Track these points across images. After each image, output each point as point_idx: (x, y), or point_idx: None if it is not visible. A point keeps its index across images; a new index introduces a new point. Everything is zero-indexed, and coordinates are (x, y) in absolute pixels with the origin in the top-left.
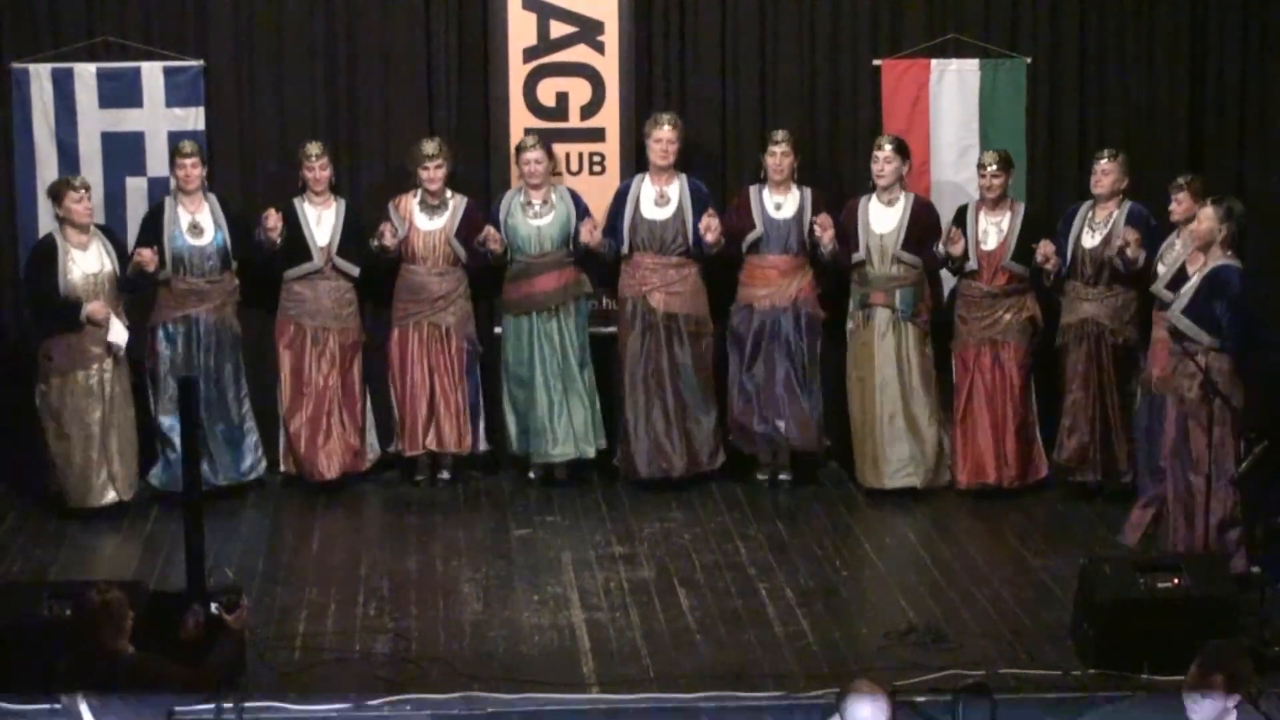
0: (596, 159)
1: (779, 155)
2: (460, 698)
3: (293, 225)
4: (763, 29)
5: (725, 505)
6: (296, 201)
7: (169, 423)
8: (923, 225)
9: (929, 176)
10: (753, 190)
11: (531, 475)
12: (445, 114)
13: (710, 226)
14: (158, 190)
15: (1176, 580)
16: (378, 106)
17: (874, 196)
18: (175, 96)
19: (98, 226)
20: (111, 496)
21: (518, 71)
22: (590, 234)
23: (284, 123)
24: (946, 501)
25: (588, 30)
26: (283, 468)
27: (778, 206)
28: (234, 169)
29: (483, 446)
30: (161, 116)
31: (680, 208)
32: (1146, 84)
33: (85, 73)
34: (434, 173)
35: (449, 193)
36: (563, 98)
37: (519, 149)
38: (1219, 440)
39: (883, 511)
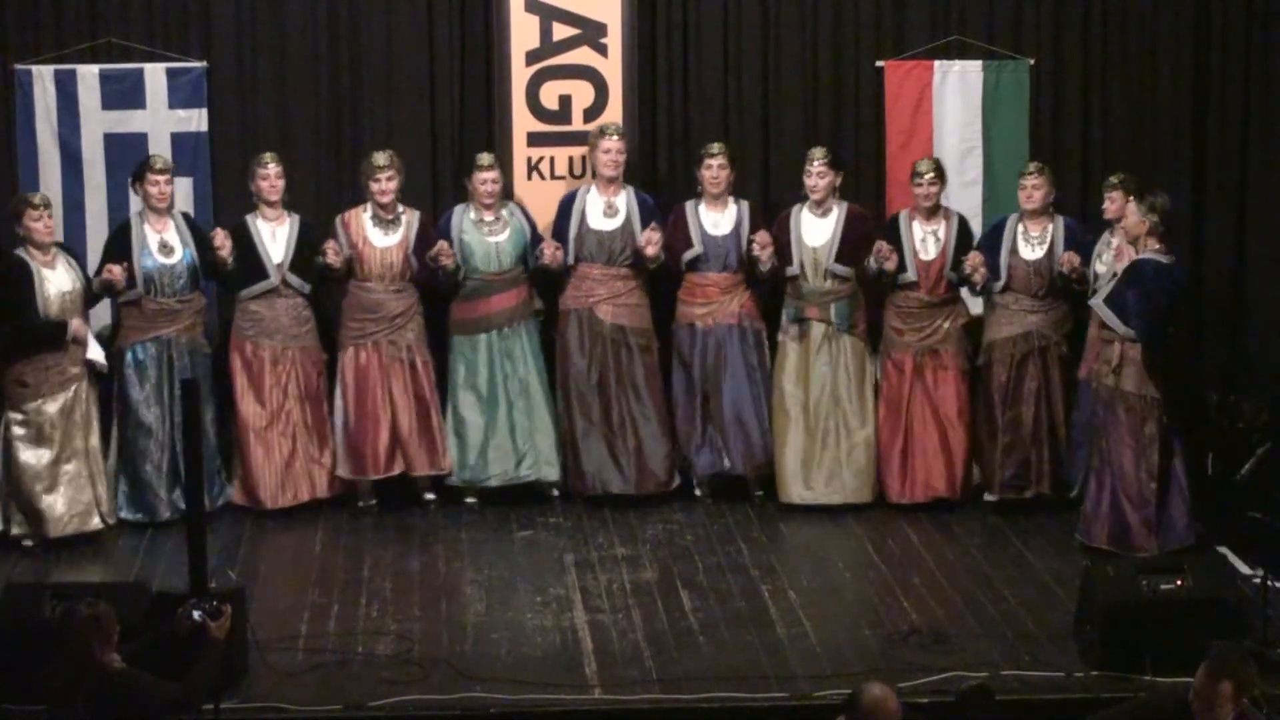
0: None
1: (715, 168)
2: (463, 699)
3: (246, 244)
4: (765, 31)
5: (728, 507)
6: (249, 219)
7: (143, 445)
8: (857, 237)
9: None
10: (689, 206)
11: (470, 500)
12: (447, 117)
13: (651, 239)
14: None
15: (1179, 582)
16: (380, 109)
17: (805, 208)
18: (178, 98)
19: (57, 245)
20: (95, 523)
21: (520, 74)
22: (554, 255)
23: (286, 124)
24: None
25: (591, 32)
26: (234, 497)
27: (715, 224)
28: (236, 170)
29: (453, 478)
30: (164, 118)
31: (629, 218)
32: (1149, 85)
33: (88, 74)
34: (385, 185)
35: (400, 207)
36: (565, 100)
37: (476, 166)
38: (1132, 428)
39: (881, 512)
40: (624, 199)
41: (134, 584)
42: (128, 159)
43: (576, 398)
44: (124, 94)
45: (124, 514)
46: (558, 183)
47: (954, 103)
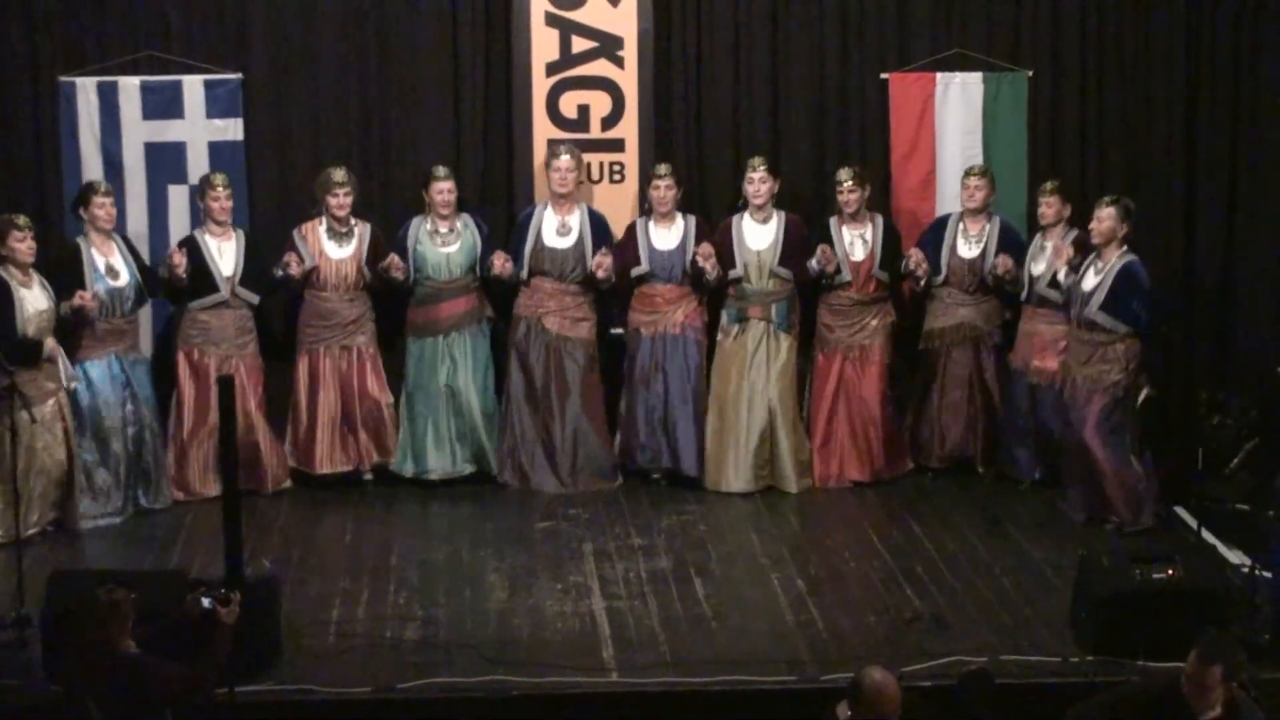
0: (616, 168)
1: (663, 188)
2: (486, 681)
3: (196, 258)
4: (774, 45)
5: (739, 499)
6: (197, 234)
7: (92, 458)
8: (795, 241)
9: (934, 187)
10: (639, 224)
11: (433, 478)
12: (471, 126)
13: (602, 264)
14: (197, 197)
15: (1171, 571)
16: (407, 118)
17: (746, 215)
18: (215, 108)
19: (33, 267)
20: (60, 523)
21: (541, 85)
22: (503, 266)
23: (318, 133)
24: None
25: (608, 46)
26: (177, 495)
27: (662, 239)
28: (271, 177)
29: (396, 467)
30: (202, 127)
31: (581, 237)
32: (1143, 96)
33: (129, 85)
34: (343, 200)
35: (353, 220)
36: (584, 110)
37: (433, 177)
38: (1123, 415)
39: (886, 504)
40: (577, 218)
41: (172, 571)
42: (167, 167)
43: (521, 400)
44: (163, 104)
45: (89, 520)
46: (577, 187)
47: (955, 113)
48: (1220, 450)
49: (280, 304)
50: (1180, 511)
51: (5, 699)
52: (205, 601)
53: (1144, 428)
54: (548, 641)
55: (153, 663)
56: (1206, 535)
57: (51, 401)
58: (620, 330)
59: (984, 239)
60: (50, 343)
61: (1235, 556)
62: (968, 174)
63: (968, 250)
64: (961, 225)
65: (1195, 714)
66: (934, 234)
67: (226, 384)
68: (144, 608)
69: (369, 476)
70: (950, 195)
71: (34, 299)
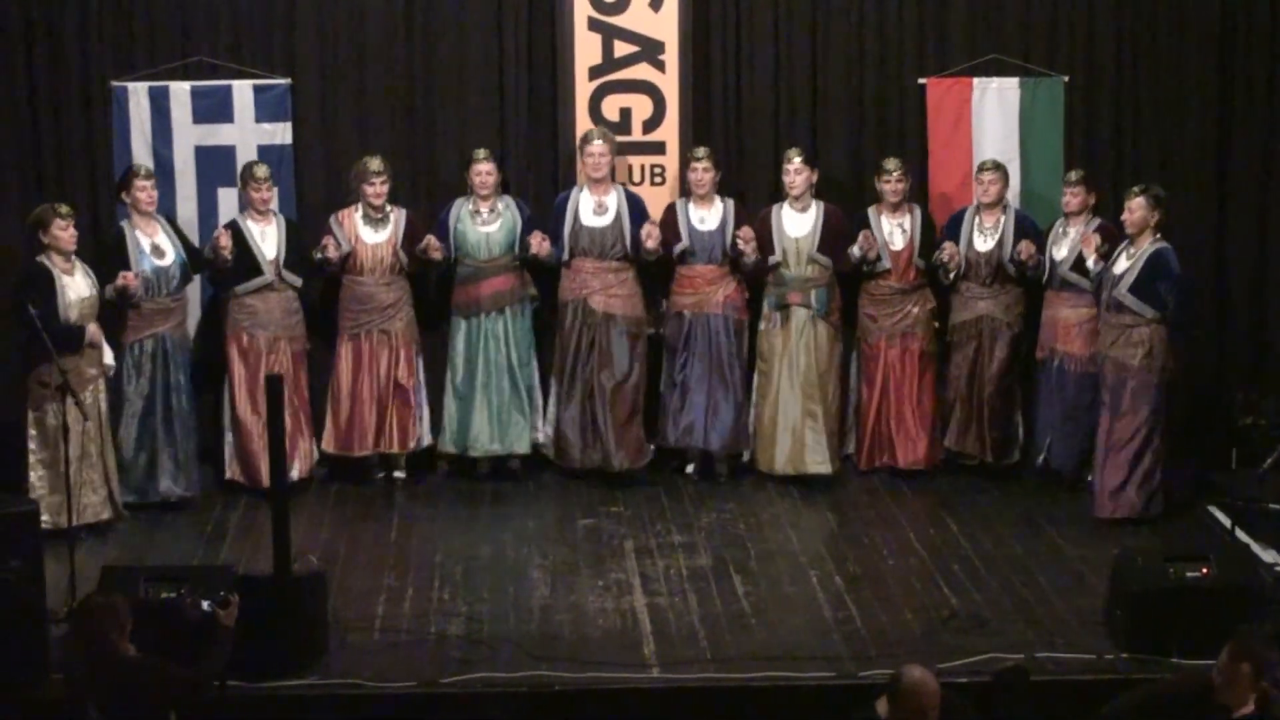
0: (658, 170)
1: (700, 170)
2: (528, 677)
3: (240, 243)
4: (813, 50)
5: (777, 496)
6: (239, 219)
7: (137, 433)
8: (834, 229)
9: (971, 190)
10: (679, 204)
11: (444, 466)
12: (515, 129)
13: (651, 234)
14: (239, 187)
15: (1205, 570)
16: (453, 121)
17: (786, 204)
18: (264, 112)
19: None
20: (107, 515)
21: (584, 88)
22: (540, 245)
23: (365, 137)
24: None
25: (649, 50)
26: (229, 475)
27: (702, 220)
28: (319, 180)
29: (425, 442)
30: (251, 131)
31: (618, 215)
32: (1177, 100)
33: (180, 90)
34: (379, 188)
35: (389, 206)
36: (626, 113)
37: (473, 159)
38: (1156, 404)
39: (924, 502)
40: (613, 198)
41: (220, 567)
42: (217, 170)
43: (566, 379)
44: (213, 109)
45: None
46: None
47: (992, 117)
48: (1254, 450)
49: (319, 288)
50: (1214, 510)
51: (59, 692)
52: (205, 605)
53: (1170, 419)
54: (589, 637)
55: (153, 665)
56: (1240, 534)
57: (91, 388)
58: (667, 306)
59: (999, 230)
60: (92, 328)
61: (1269, 555)
62: (981, 169)
63: (983, 243)
64: (977, 219)
65: (1228, 711)
66: (950, 229)
67: (274, 382)
68: (141, 611)
69: (401, 475)
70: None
71: (76, 286)
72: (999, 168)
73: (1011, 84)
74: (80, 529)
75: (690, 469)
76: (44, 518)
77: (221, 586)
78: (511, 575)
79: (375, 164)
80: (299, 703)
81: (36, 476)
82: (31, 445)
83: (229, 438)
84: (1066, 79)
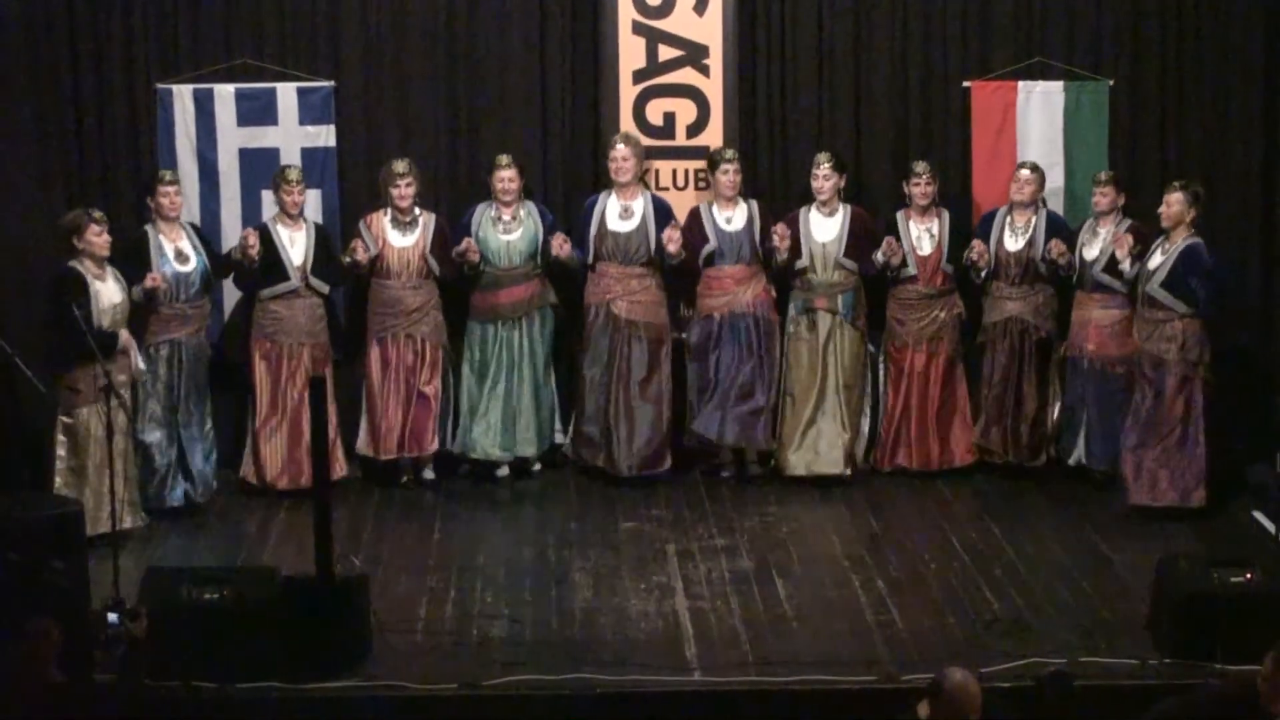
0: (701, 175)
1: (731, 173)
2: (571, 679)
3: (268, 247)
4: (858, 53)
5: (819, 500)
6: (269, 222)
7: (154, 438)
8: (861, 234)
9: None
10: (703, 207)
11: (476, 458)
12: (559, 133)
13: (672, 238)
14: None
15: (1249, 575)
16: (495, 125)
17: (814, 208)
18: (308, 115)
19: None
20: (129, 522)
21: (628, 93)
22: (561, 247)
23: (408, 140)
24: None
25: (694, 54)
26: (242, 474)
27: (728, 220)
28: (362, 183)
29: (450, 446)
30: (295, 134)
31: (644, 220)
32: (1222, 104)
33: (224, 93)
34: (405, 190)
35: (417, 210)
36: (670, 117)
37: (495, 165)
38: (1192, 397)
39: (965, 505)
40: (640, 202)
41: (264, 568)
42: (261, 173)
43: (589, 384)
44: (258, 111)
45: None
46: (661, 193)
47: (1037, 121)
48: None
49: (349, 293)
50: (1259, 516)
51: (103, 693)
52: (112, 618)
53: (1209, 415)
54: (632, 640)
55: (77, 687)
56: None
57: (124, 393)
58: (691, 313)
59: (1030, 230)
60: (124, 335)
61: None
62: (1020, 167)
63: (1014, 243)
64: (1009, 219)
65: (1271, 717)
66: (982, 229)
67: (317, 384)
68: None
69: (430, 476)
70: None
71: (109, 292)
72: (1037, 169)
73: (1056, 87)
74: (111, 535)
75: (726, 474)
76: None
77: (265, 588)
78: (554, 578)
79: (401, 166)
80: (341, 705)
81: (62, 481)
82: (60, 451)
83: (248, 442)
84: (1111, 82)
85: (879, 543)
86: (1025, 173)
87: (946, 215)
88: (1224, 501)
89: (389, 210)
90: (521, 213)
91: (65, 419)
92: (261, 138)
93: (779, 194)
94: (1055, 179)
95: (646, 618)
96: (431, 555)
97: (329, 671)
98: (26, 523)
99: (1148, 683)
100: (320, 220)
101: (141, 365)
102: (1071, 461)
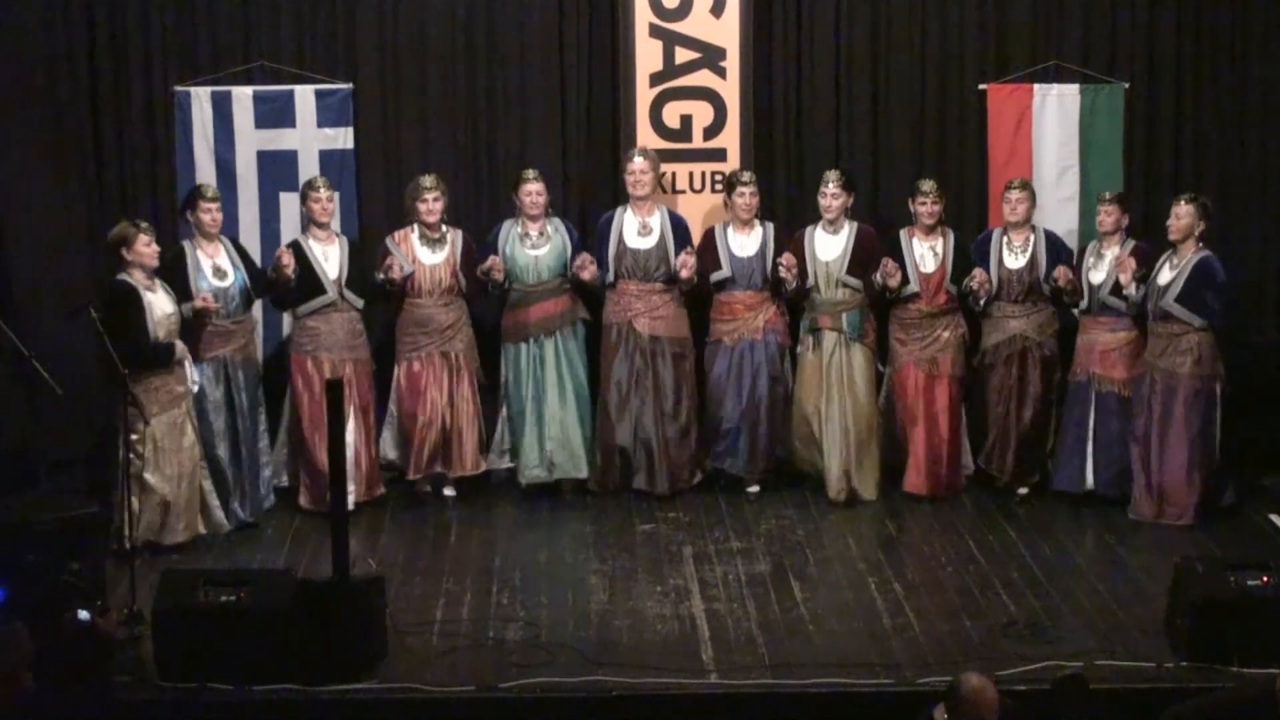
0: (718, 178)
1: (748, 195)
2: (587, 681)
3: (303, 262)
4: (874, 56)
5: (835, 504)
6: (301, 238)
7: (205, 460)
8: (866, 252)
9: (1035, 195)
10: (718, 229)
11: (523, 482)
12: (576, 135)
13: (685, 264)
14: (300, 202)
15: (1265, 579)
16: (513, 128)
17: (819, 226)
18: (326, 117)
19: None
20: (203, 530)
21: (645, 95)
22: (584, 268)
23: (426, 143)
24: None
25: (710, 56)
26: (302, 502)
27: (742, 246)
28: (380, 186)
29: (485, 466)
30: (313, 136)
31: (662, 237)
32: (1238, 108)
33: (242, 95)
34: (432, 205)
35: (445, 226)
36: (686, 120)
37: (521, 179)
38: (1205, 408)
39: (982, 510)
40: (658, 218)
41: (281, 571)
42: (279, 175)
43: (615, 404)
44: (275, 114)
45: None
46: (678, 196)
47: (1052, 124)
48: None
49: (381, 312)
50: (1273, 518)
51: (119, 696)
52: (83, 614)
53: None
54: (648, 643)
55: (49, 692)
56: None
57: (183, 405)
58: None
59: (1029, 248)
60: (180, 346)
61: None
62: (1009, 188)
63: (1014, 261)
64: (1006, 238)
65: None
66: (979, 251)
67: (335, 386)
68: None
69: (451, 492)
70: (1047, 206)
71: (160, 303)
72: (1025, 186)
73: (1072, 90)
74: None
75: (754, 490)
76: (146, 537)
77: (281, 590)
78: (570, 580)
79: (429, 180)
80: (357, 707)
81: (133, 497)
82: (135, 460)
83: (285, 455)
84: (1127, 85)
85: (895, 546)
86: (1015, 192)
87: (952, 235)
88: (1241, 506)
89: (416, 227)
90: (549, 228)
91: (132, 433)
92: (279, 140)
93: (796, 198)
94: (1070, 183)
95: (663, 620)
96: (447, 558)
97: (345, 674)
98: (47, 526)
99: (1164, 686)
100: (338, 222)
101: (196, 378)
102: (1066, 487)
